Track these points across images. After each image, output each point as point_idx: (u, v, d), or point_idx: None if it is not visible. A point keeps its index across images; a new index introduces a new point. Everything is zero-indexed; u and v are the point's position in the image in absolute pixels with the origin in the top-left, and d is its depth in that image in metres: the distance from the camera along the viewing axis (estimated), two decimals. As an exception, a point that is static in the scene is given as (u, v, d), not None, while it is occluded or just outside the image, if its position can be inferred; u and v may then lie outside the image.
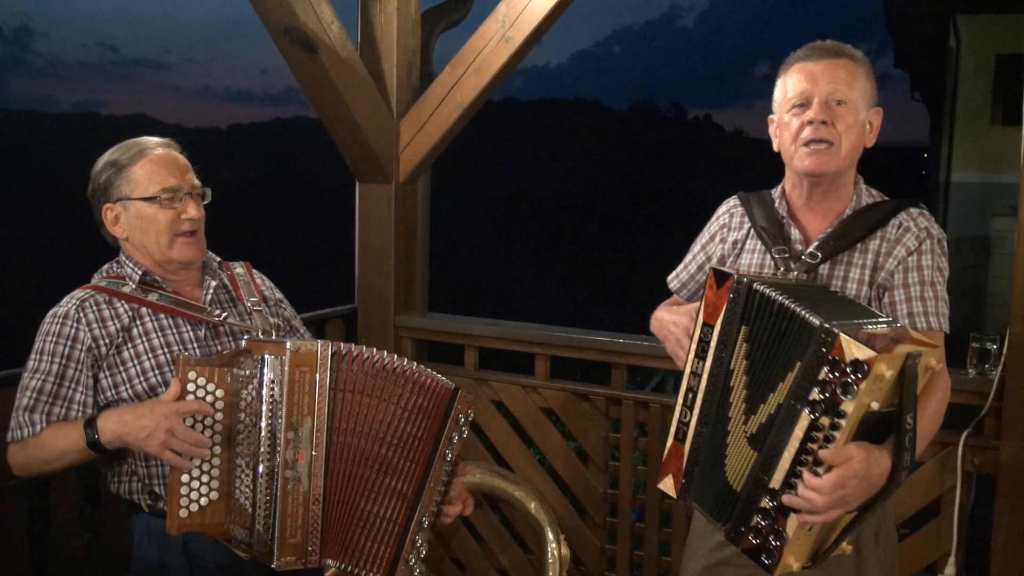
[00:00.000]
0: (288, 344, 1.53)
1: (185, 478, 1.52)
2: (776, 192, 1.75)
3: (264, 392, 1.52)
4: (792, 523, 1.39)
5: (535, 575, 2.84)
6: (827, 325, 1.34)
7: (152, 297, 1.69)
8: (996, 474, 2.21)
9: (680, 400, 1.58)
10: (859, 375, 1.30)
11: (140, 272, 1.71)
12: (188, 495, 1.52)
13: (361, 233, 3.09)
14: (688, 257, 1.89)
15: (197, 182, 1.73)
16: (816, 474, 1.35)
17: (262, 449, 1.52)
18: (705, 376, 1.54)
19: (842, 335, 1.32)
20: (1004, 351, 2.19)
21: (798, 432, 1.37)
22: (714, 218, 1.86)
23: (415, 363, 1.66)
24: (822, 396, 1.34)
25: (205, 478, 1.53)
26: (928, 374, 1.39)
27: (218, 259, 1.85)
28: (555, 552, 2.71)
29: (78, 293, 1.70)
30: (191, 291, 1.75)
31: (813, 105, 1.58)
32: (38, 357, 1.65)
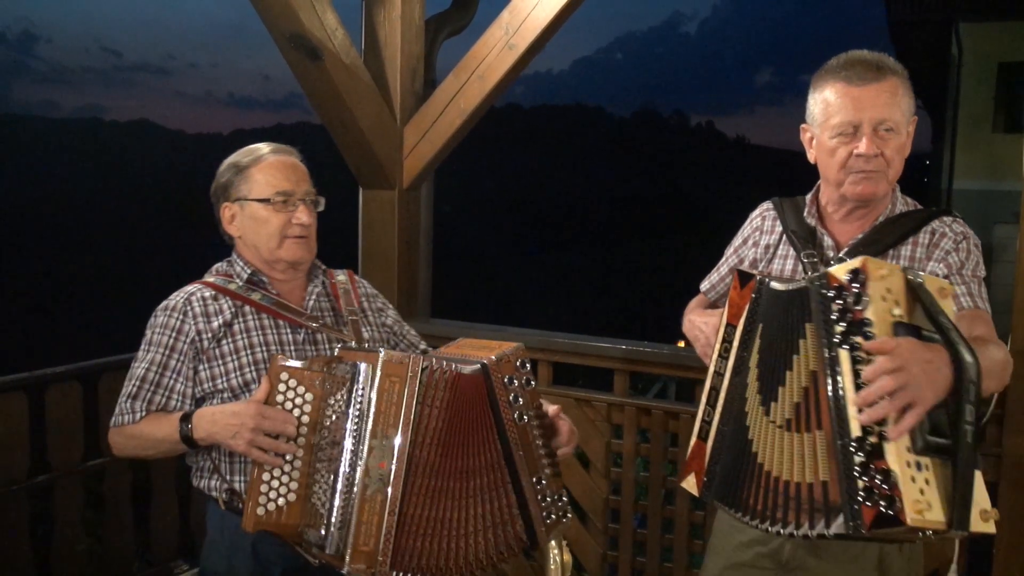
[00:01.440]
0: (381, 354, 1.53)
1: (266, 476, 1.55)
2: (807, 199, 1.75)
3: (354, 398, 1.53)
4: (890, 454, 1.28)
5: (537, 581, 2.83)
6: (814, 273, 1.40)
7: (255, 296, 1.74)
8: (998, 481, 2.21)
9: (704, 399, 1.59)
10: (860, 282, 1.32)
11: (248, 271, 1.77)
12: (267, 494, 1.55)
13: (364, 239, 3.10)
14: (721, 260, 1.91)
15: (312, 189, 1.78)
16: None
17: (346, 454, 1.52)
18: (728, 375, 1.55)
19: (830, 269, 1.37)
20: (1006, 358, 2.19)
21: (846, 374, 1.32)
22: (748, 222, 1.87)
23: (450, 361, 1.61)
24: (844, 323, 1.33)
25: (285, 479, 1.56)
26: (949, 300, 1.38)
27: (323, 267, 1.88)
28: (557, 558, 2.70)
29: (188, 288, 1.76)
30: (296, 295, 1.80)
31: (862, 136, 1.57)
32: (146, 347, 1.71)
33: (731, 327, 1.55)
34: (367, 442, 1.51)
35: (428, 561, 1.55)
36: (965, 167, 11.73)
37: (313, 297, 1.81)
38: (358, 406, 1.53)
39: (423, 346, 1.99)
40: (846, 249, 1.64)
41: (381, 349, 1.59)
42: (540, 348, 2.84)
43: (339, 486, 1.52)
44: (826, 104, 1.62)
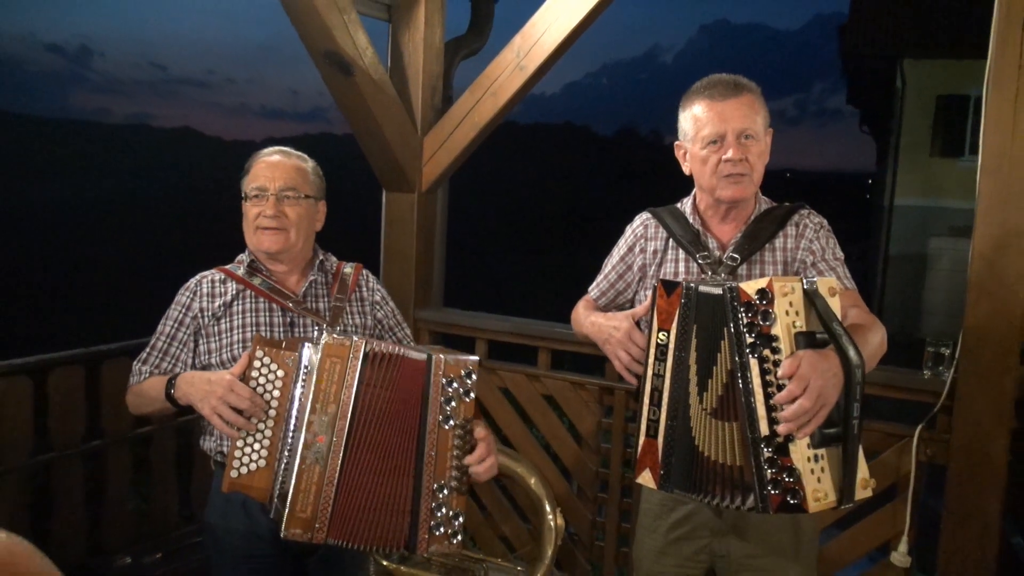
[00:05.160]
0: (324, 336, 1.49)
1: (240, 443, 1.51)
2: (687, 208, 1.74)
3: (299, 376, 1.50)
4: (794, 453, 1.33)
5: (533, 543, 2.80)
6: (728, 284, 1.40)
7: (256, 281, 1.71)
8: (947, 464, 2.18)
9: (647, 400, 1.53)
10: (767, 300, 1.34)
11: (249, 259, 1.75)
12: (240, 459, 1.51)
13: (386, 236, 3.05)
14: (607, 268, 1.86)
15: (292, 186, 1.70)
16: (781, 387, 1.32)
17: (290, 427, 1.49)
18: (668, 376, 1.49)
19: (741, 284, 1.38)
20: (956, 355, 2.16)
21: (756, 380, 1.35)
22: (629, 231, 1.83)
23: (399, 346, 1.54)
24: (753, 336, 1.35)
25: (256, 446, 1.52)
26: (836, 297, 1.40)
27: (333, 259, 1.82)
28: (552, 523, 2.67)
29: (206, 271, 1.75)
30: (294, 282, 1.75)
31: (728, 144, 1.59)
32: (163, 320, 1.71)
33: (664, 332, 1.51)
34: (307, 417, 1.45)
35: (362, 530, 1.47)
36: (905, 186, 11.74)
37: (308, 284, 1.74)
38: (302, 382, 1.48)
39: (409, 343, 1.86)
40: (731, 246, 1.66)
41: (326, 332, 1.53)
42: (541, 336, 2.80)
43: (284, 455, 1.48)
44: (695, 120, 1.63)
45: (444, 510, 1.50)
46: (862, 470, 1.40)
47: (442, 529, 1.49)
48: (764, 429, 1.34)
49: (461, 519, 1.50)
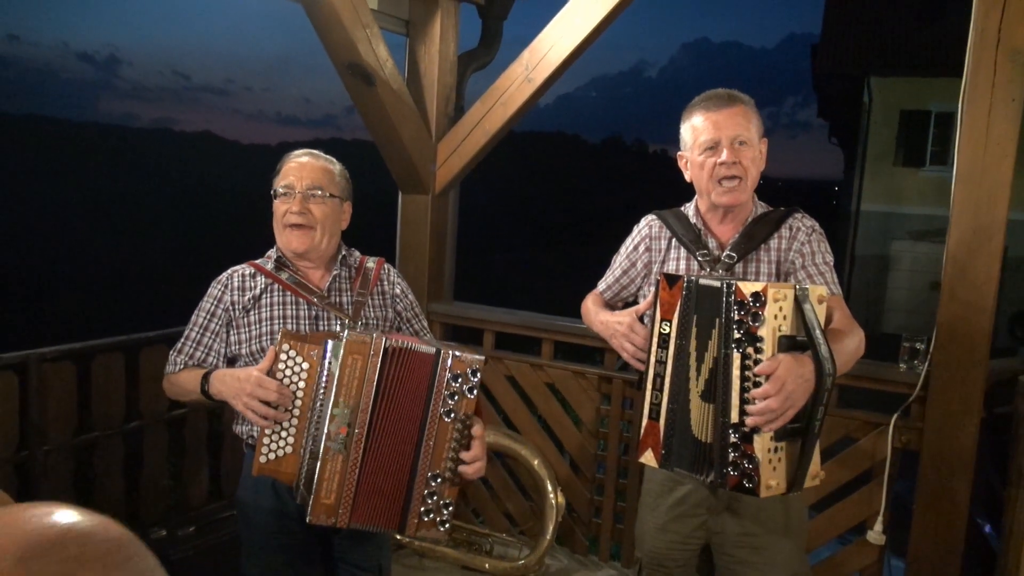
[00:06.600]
0: (346, 333, 1.45)
1: (268, 431, 1.49)
2: (690, 211, 1.73)
3: (323, 370, 1.46)
4: (757, 443, 1.34)
5: (535, 519, 2.79)
6: (727, 280, 1.39)
7: (283, 276, 1.66)
8: (920, 450, 2.18)
9: (649, 385, 1.52)
10: (760, 303, 1.33)
11: (276, 255, 1.70)
12: (268, 445, 1.49)
13: (402, 234, 3.03)
14: (614, 265, 1.86)
15: (318, 186, 1.65)
16: (758, 384, 1.33)
17: (314, 418, 1.46)
18: (670, 363, 1.49)
19: (738, 283, 1.36)
20: (930, 350, 2.16)
21: (736, 372, 1.35)
22: (636, 231, 1.82)
23: (412, 339, 1.51)
24: (741, 333, 1.35)
25: (284, 434, 1.49)
26: (824, 305, 1.39)
27: (356, 254, 1.77)
28: (553, 501, 2.67)
29: (237, 266, 1.70)
30: (318, 277, 1.70)
31: (722, 149, 1.58)
32: (196, 312, 1.67)
33: (666, 322, 1.50)
34: (329, 409, 1.42)
35: (370, 512, 1.44)
36: (871, 193, 11.77)
37: (331, 279, 1.69)
38: (326, 376, 1.44)
39: (426, 336, 1.81)
40: (729, 246, 1.65)
41: (347, 329, 1.48)
42: (544, 328, 2.79)
43: (308, 445, 1.45)
44: (693, 129, 1.63)
45: (435, 498, 1.46)
46: (814, 463, 1.41)
47: (431, 515, 1.46)
48: (734, 417, 1.36)
49: (451, 508, 1.47)
